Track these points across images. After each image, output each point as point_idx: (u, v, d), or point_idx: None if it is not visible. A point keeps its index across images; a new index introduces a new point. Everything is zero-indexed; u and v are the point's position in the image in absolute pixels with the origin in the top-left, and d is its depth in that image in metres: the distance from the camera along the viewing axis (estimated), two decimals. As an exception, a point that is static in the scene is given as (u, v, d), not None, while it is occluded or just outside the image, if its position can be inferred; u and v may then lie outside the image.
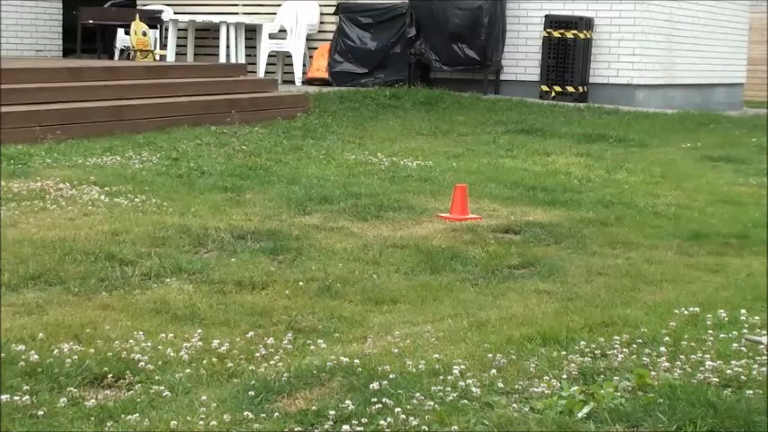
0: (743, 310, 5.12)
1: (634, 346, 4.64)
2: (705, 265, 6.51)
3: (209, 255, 6.26)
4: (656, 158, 11.27)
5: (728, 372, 4.25)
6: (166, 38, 16.84)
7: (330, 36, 16.65)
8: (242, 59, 16.03)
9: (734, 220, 7.84)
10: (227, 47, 16.10)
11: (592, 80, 15.98)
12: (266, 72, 16.27)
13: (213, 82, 13.04)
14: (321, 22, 16.92)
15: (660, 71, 16.73)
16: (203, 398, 3.92)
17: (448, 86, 15.69)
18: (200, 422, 3.70)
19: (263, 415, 3.79)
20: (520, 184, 8.98)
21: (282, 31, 16.68)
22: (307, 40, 16.65)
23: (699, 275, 6.27)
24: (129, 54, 16.40)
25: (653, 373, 4.21)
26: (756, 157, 11.59)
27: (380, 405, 3.83)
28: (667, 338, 4.69)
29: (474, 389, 4.03)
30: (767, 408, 3.81)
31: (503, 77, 16.39)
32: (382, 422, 3.71)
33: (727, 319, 5.05)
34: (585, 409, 3.83)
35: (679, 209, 8.21)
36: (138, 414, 3.77)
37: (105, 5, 18.76)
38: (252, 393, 3.95)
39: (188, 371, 4.24)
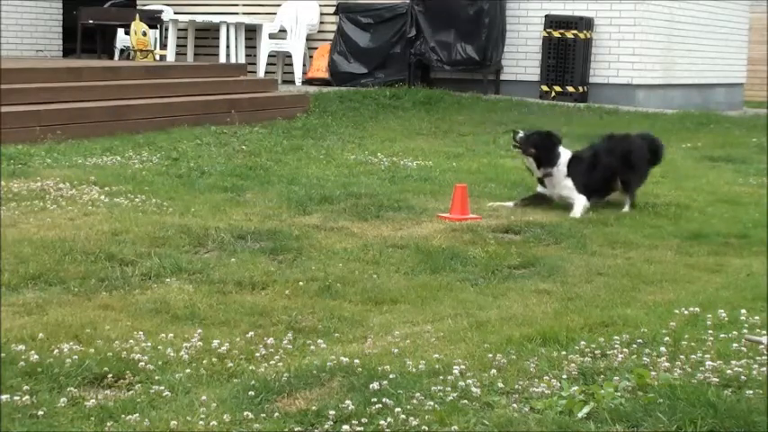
0: (743, 310, 5.12)
1: (634, 346, 4.64)
2: (705, 265, 6.51)
3: (209, 255, 6.26)
4: (656, 158, 11.25)
5: (728, 372, 4.25)
6: (166, 38, 16.85)
7: (330, 36, 16.66)
8: (242, 59, 16.04)
9: (734, 220, 7.84)
10: (227, 47, 16.11)
11: (592, 80, 15.98)
12: (266, 72, 16.27)
13: (213, 82, 13.04)
14: (321, 22, 16.92)
15: (660, 71, 16.73)
16: (203, 398, 3.92)
17: (448, 86, 15.70)
18: (200, 422, 3.70)
19: (263, 415, 3.79)
20: (520, 183, 8.98)
21: (282, 31, 16.69)
22: (307, 40, 16.65)
23: (699, 275, 6.26)
24: (129, 54, 16.41)
25: (653, 373, 4.21)
26: (756, 157, 11.59)
27: (380, 405, 3.83)
28: (667, 338, 4.69)
29: (474, 389, 4.03)
30: (767, 408, 3.81)
31: (503, 77, 16.40)
32: (382, 422, 3.71)
33: (727, 319, 5.05)
34: (585, 409, 3.83)
35: (679, 209, 8.21)
36: (138, 414, 3.77)
37: (105, 5, 18.76)
38: (252, 393, 3.95)
39: (188, 371, 4.24)
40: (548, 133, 8.23)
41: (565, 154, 8.10)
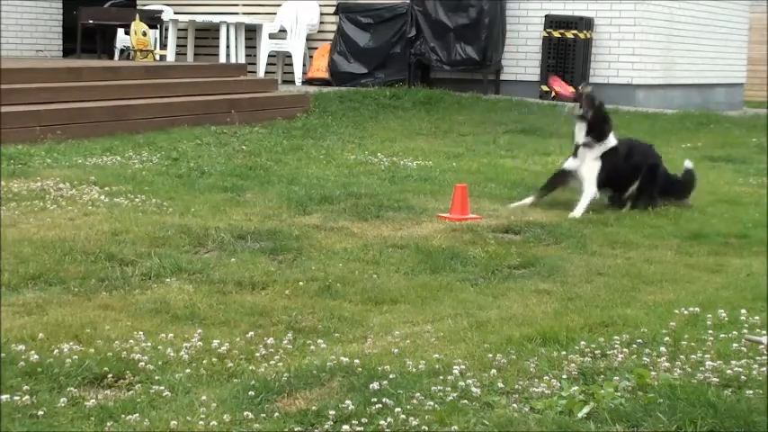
0: (743, 310, 5.12)
1: (634, 346, 4.64)
2: (705, 265, 6.51)
3: (209, 255, 6.26)
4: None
5: (728, 372, 4.25)
6: (166, 38, 16.85)
7: (330, 36, 16.66)
8: (242, 59, 16.03)
9: (734, 220, 7.84)
10: (227, 47, 16.11)
11: (592, 80, 15.94)
12: (266, 72, 16.27)
13: (213, 82, 13.04)
14: (321, 22, 16.92)
15: (660, 71, 16.73)
16: (203, 398, 3.92)
17: (448, 86, 15.70)
18: (200, 422, 3.70)
19: (263, 415, 3.79)
20: (520, 184, 8.99)
21: (282, 31, 16.69)
22: (307, 40, 16.65)
23: (699, 275, 6.26)
24: (129, 54, 16.41)
25: (653, 373, 4.21)
26: (756, 157, 11.59)
27: (380, 405, 3.83)
28: (667, 338, 4.69)
29: (474, 389, 4.03)
30: (767, 408, 3.81)
31: (503, 77, 16.39)
32: (382, 422, 3.71)
33: (727, 319, 5.05)
34: (585, 409, 3.83)
35: (679, 209, 8.21)
36: (138, 414, 3.77)
37: (105, 5, 18.76)
38: (252, 393, 3.95)
39: (188, 371, 4.24)
40: (608, 114, 8.33)
41: (612, 140, 8.21)
